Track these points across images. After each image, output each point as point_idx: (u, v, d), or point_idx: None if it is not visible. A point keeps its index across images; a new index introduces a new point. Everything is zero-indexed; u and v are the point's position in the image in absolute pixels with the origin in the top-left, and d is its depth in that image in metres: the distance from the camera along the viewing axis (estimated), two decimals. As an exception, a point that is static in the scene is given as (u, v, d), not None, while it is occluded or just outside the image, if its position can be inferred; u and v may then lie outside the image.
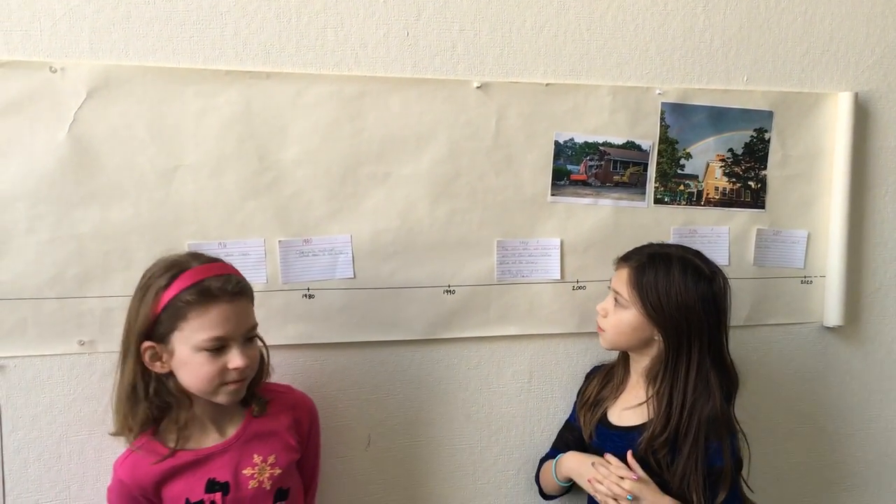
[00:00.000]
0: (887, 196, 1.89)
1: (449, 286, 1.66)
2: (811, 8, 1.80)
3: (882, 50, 1.85)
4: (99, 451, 1.53)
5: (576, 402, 1.69)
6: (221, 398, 1.29)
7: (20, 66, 1.42)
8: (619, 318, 1.47)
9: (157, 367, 1.27)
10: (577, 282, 1.73)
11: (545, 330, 1.73)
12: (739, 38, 1.77)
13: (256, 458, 1.35)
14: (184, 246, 1.51)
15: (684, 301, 1.40)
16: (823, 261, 1.86)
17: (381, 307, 1.63)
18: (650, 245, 1.53)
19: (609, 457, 1.46)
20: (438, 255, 1.65)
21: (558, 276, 1.71)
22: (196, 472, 1.31)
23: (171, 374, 1.28)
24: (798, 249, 1.84)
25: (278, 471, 1.36)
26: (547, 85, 1.66)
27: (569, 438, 1.66)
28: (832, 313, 1.85)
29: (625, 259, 1.51)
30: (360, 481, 1.67)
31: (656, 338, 1.44)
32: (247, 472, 1.33)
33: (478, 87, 1.62)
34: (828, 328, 1.89)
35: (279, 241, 1.56)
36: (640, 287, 1.43)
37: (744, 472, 1.49)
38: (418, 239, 1.63)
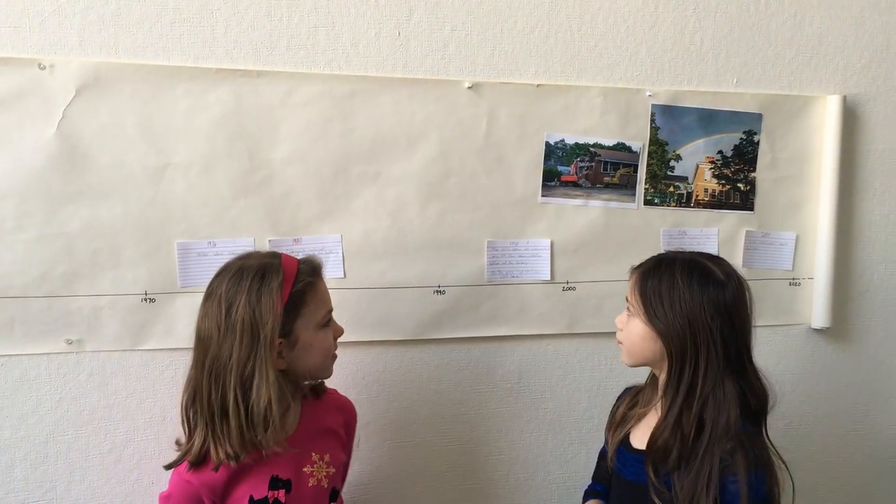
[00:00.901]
0: (875, 199, 1.90)
1: (439, 286, 1.66)
2: (800, 11, 1.81)
3: (870, 54, 1.86)
4: (86, 450, 1.53)
5: (606, 427, 1.56)
6: (330, 370, 1.36)
7: (9, 62, 1.41)
8: (630, 328, 1.36)
9: (282, 364, 1.26)
10: (567, 283, 1.73)
11: (535, 331, 1.74)
12: (729, 40, 1.77)
13: (315, 457, 1.34)
14: (173, 245, 1.51)
15: (688, 307, 1.28)
16: (811, 263, 1.86)
17: (371, 307, 1.63)
18: (665, 252, 1.42)
19: None
20: (429, 256, 1.65)
21: (548, 277, 1.72)
22: (261, 469, 1.29)
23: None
24: (786, 251, 1.85)
25: (332, 470, 1.36)
26: (538, 86, 1.66)
27: (603, 468, 1.55)
28: (820, 315, 1.86)
29: (637, 267, 1.40)
30: (349, 481, 1.66)
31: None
32: (307, 469, 1.33)
33: (469, 88, 1.63)
34: (815, 330, 1.90)
35: (269, 241, 1.56)
36: (644, 293, 1.33)
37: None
38: (409, 239, 1.63)
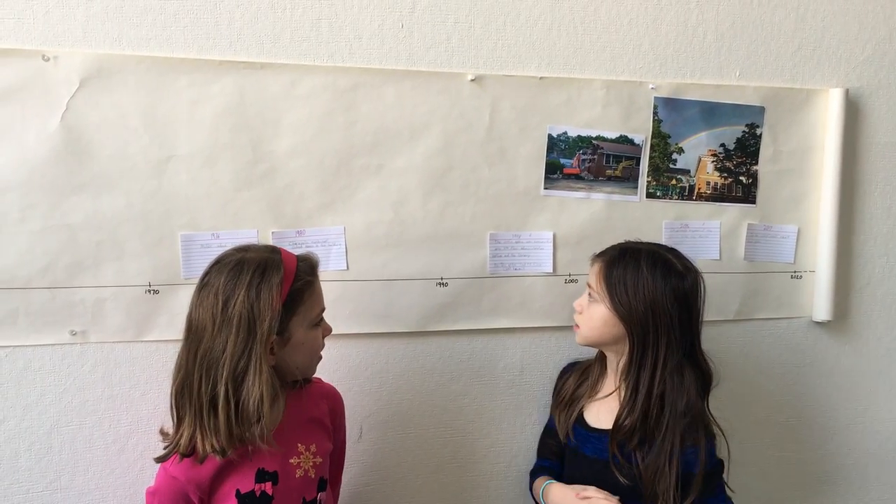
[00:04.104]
0: (877, 192, 1.90)
1: (441, 279, 1.67)
2: (803, 4, 1.81)
3: (873, 47, 1.86)
4: (90, 441, 1.53)
5: (552, 405, 1.68)
6: (314, 369, 1.38)
7: (12, 53, 1.41)
8: (591, 313, 1.47)
9: (272, 361, 1.25)
10: (570, 275, 1.74)
11: (537, 323, 1.74)
12: (732, 33, 1.77)
13: (300, 447, 1.34)
14: (176, 236, 1.51)
15: (651, 296, 1.39)
16: (813, 256, 1.87)
17: (374, 299, 1.63)
18: (626, 242, 1.54)
19: (590, 489, 1.44)
20: (431, 248, 1.65)
21: (551, 270, 1.72)
22: (247, 462, 1.28)
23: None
24: (788, 244, 1.86)
25: (319, 460, 1.36)
26: (541, 78, 1.66)
27: (552, 445, 1.64)
28: (821, 308, 1.87)
29: (599, 255, 1.52)
30: (351, 473, 1.67)
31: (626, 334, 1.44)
32: (293, 460, 1.33)
33: (472, 80, 1.63)
34: (817, 323, 1.90)
35: (272, 233, 1.56)
36: (610, 281, 1.44)
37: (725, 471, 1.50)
38: (411, 231, 1.63)
